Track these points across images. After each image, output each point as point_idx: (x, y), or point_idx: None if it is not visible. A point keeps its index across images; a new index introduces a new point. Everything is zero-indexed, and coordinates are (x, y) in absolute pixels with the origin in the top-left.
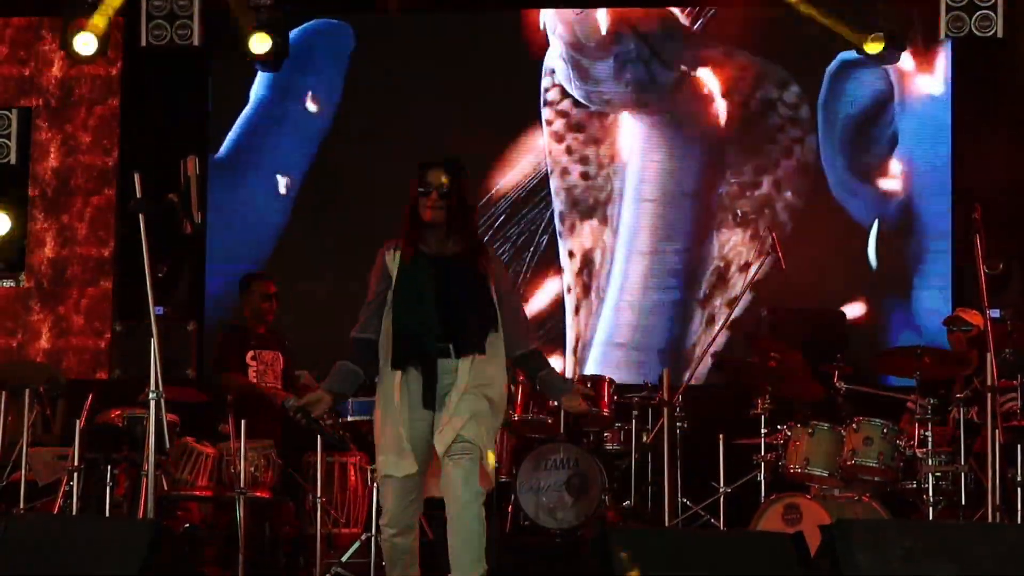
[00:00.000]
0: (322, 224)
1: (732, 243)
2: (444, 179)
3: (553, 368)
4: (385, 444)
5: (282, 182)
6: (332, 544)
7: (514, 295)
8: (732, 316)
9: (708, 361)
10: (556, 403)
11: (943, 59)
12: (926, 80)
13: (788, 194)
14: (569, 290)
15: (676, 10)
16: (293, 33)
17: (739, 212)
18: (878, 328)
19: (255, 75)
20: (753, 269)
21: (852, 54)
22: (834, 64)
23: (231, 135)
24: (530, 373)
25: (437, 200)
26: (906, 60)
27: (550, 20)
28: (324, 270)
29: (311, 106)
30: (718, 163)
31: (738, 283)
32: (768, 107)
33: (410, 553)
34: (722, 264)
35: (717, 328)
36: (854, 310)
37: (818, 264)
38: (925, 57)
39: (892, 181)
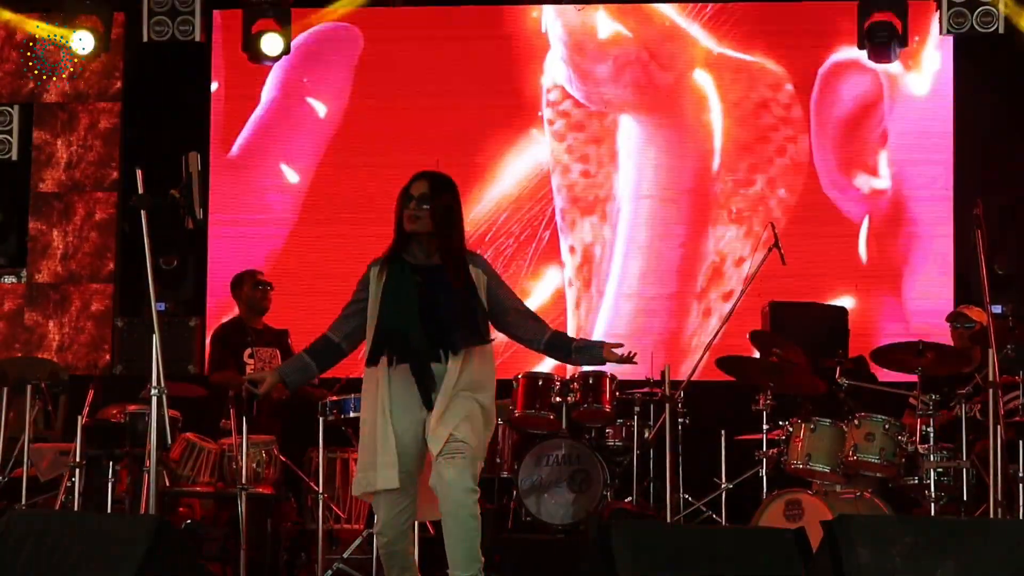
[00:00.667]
0: (330, 223)
1: (727, 239)
2: (424, 188)
3: (575, 339)
4: (368, 459)
5: (290, 181)
6: (334, 540)
7: (512, 293)
8: (730, 311)
9: (708, 357)
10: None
11: (932, 57)
12: (917, 78)
13: (782, 191)
14: (570, 284)
15: (673, 13)
16: (303, 35)
17: (734, 209)
18: (869, 323)
19: (266, 75)
20: (755, 264)
21: (843, 55)
22: (826, 65)
23: (242, 134)
24: (563, 355)
25: (416, 209)
26: (899, 59)
27: (551, 23)
28: (331, 269)
29: (320, 107)
30: (713, 161)
31: (733, 277)
32: (762, 107)
33: (406, 556)
34: (717, 259)
35: (717, 324)
36: (845, 305)
37: (810, 260)
38: (915, 56)
39: (883, 179)
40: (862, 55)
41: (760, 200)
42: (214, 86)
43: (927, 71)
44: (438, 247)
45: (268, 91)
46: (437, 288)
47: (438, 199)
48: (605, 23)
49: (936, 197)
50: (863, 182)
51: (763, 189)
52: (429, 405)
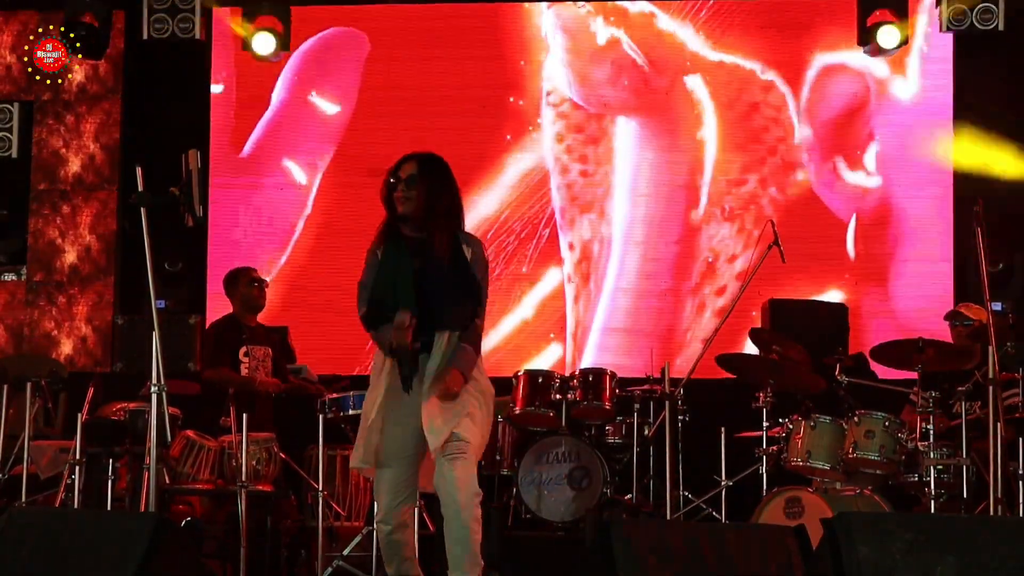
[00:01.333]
0: (334, 222)
1: (720, 236)
2: (412, 170)
3: (465, 349)
4: (359, 435)
5: (297, 181)
6: (334, 537)
7: (484, 283)
8: (729, 309)
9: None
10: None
11: (926, 55)
12: (908, 77)
13: (773, 190)
14: (569, 280)
15: (668, 18)
16: (311, 40)
17: (727, 207)
18: (860, 320)
19: (269, 75)
20: (755, 262)
21: (834, 56)
22: (816, 67)
23: (253, 135)
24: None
25: (405, 190)
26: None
27: (550, 28)
28: (334, 268)
29: (326, 108)
30: (707, 161)
31: (726, 273)
32: (753, 109)
33: (406, 547)
34: (711, 256)
35: (715, 321)
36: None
37: (802, 257)
38: (907, 54)
39: (873, 178)
40: (852, 56)
41: (752, 199)
42: (214, 85)
43: (917, 69)
44: (435, 228)
45: (275, 92)
46: (432, 261)
47: (429, 179)
48: (603, 28)
49: (932, 195)
50: (854, 180)
51: (755, 188)
52: (407, 387)
